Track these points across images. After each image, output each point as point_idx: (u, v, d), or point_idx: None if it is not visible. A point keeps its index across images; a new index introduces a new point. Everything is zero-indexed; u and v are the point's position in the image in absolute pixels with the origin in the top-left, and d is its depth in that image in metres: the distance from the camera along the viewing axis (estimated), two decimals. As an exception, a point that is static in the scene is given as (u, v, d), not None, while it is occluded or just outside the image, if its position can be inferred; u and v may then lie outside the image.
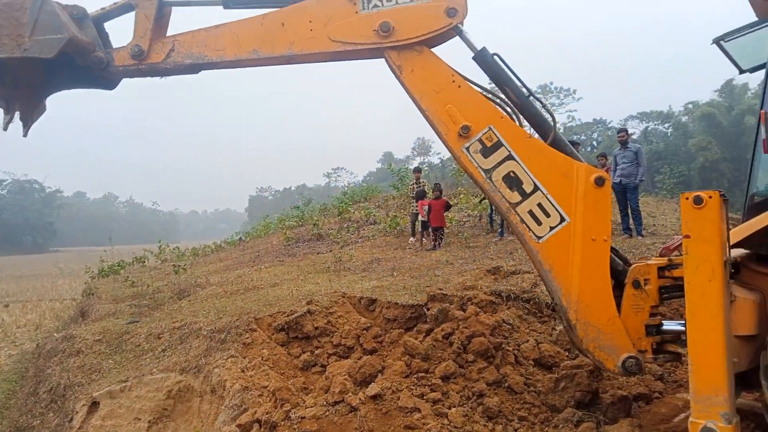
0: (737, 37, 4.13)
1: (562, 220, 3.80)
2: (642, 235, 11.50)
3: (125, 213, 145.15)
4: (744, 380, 3.47)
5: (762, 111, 3.37)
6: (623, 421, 4.04)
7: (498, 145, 3.93)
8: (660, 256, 3.90)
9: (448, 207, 13.18)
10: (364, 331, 6.49)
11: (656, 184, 45.41)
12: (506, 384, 4.86)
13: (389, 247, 13.52)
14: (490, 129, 3.94)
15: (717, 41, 4.18)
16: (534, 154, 3.90)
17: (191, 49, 4.24)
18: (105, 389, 5.94)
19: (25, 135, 4.63)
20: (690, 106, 55.76)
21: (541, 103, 4.30)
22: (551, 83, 66.06)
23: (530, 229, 3.86)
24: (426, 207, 12.96)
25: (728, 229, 3.33)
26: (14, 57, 3.92)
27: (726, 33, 4.15)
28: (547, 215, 3.82)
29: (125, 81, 4.55)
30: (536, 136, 4.19)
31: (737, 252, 3.70)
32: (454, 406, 4.40)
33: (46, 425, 5.98)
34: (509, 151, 3.91)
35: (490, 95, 4.15)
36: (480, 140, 3.95)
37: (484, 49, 4.12)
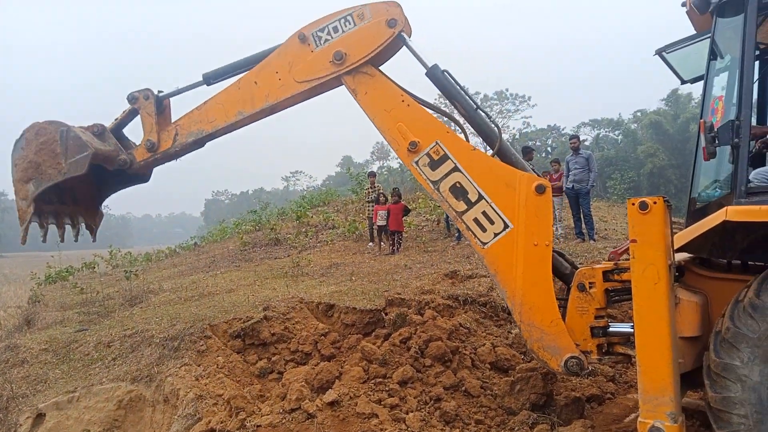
0: (678, 49, 4.31)
1: (506, 226, 4.02)
2: (594, 239, 11.83)
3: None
4: (689, 380, 3.60)
5: (701, 120, 3.52)
6: (576, 422, 4.14)
7: (444, 158, 4.22)
8: (609, 260, 4.02)
9: (406, 211, 13.26)
10: (322, 337, 6.46)
11: (608, 189, 46.76)
12: (463, 388, 4.91)
13: (348, 252, 13.49)
14: (437, 143, 4.24)
15: (659, 52, 4.35)
16: (478, 166, 4.17)
17: (191, 129, 4.89)
18: (51, 400, 5.71)
19: (94, 240, 5.64)
20: (638, 114, 57.80)
21: (487, 115, 4.57)
22: (507, 89, 67.43)
23: (476, 236, 4.11)
24: (383, 212, 12.99)
25: (672, 234, 3.46)
26: (59, 181, 4.74)
27: (667, 45, 4.33)
28: (492, 222, 4.06)
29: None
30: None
31: (681, 256, 3.85)
32: (412, 411, 4.42)
33: (-13, 440, 5.71)
34: (455, 164, 4.20)
35: (441, 109, 4.52)
36: (428, 154, 4.25)
37: (435, 66, 4.44)
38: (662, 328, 3.22)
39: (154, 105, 5.01)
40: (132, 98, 5.07)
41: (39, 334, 7.77)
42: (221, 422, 4.52)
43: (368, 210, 14.21)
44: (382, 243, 13.31)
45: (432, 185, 4.27)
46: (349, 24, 4.47)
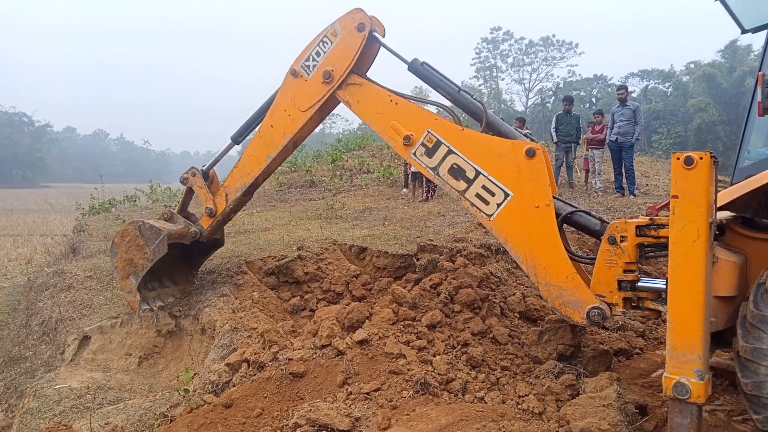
0: (742, -6, 4.05)
1: (506, 195, 4.22)
2: (634, 195, 11.59)
3: (116, 151, 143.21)
4: (720, 339, 3.57)
5: (760, 73, 3.34)
6: (603, 374, 4.16)
7: (438, 144, 4.51)
8: (646, 215, 3.94)
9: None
10: (354, 278, 6.59)
11: (653, 144, 45.28)
12: (491, 335, 4.97)
13: (382, 197, 13.53)
14: (429, 132, 4.54)
15: None
16: (470, 144, 4.41)
17: (236, 185, 5.64)
18: (96, 324, 6.03)
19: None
20: (692, 65, 55.08)
21: (470, 95, 4.84)
22: (554, 35, 64.89)
23: (481, 210, 4.34)
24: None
25: (716, 192, 3.35)
26: (151, 266, 5.57)
27: None
28: (492, 194, 4.28)
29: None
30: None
31: (723, 214, 3.75)
32: (439, 354, 4.51)
33: (38, 356, 6.09)
34: (448, 147, 4.47)
35: (427, 99, 4.90)
36: (423, 144, 4.57)
37: (414, 60, 4.83)
38: (697, 286, 3.18)
39: (203, 178, 5.83)
40: (183, 180, 5.93)
41: (84, 262, 8.12)
42: (255, 354, 4.71)
43: (404, 156, 14.14)
44: (416, 190, 13.30)
45: (432, 171, 4.54)
46: (328, 44, 4.94)
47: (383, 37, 4.91)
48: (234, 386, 4.51)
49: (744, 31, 4.39)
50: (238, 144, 5.97)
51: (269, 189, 16.54)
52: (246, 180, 5.56)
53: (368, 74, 5.05)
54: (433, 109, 4.83)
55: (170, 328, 5.95)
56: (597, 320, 3.88)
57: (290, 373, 4.30)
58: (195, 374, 5.24)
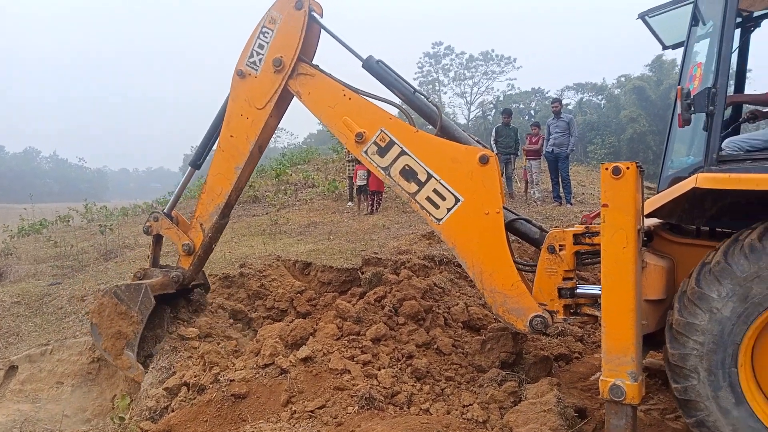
0: (661, 13, 4.27)
1: (457, 200, 4.19)
2: (571, 203, 11.97)
3: (48, 169, 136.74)
4: (652, 341, 3.71)
5: (679, 87, 3.52)
6: (543, 380, 4.25)
7: (391, 144, 4.40)
8: (581, 223, 4.07)
9: (386, 171, 13.20)
10: (298, 295, 6.50)
11: (588, 154, 47.04)
12: (435, 346, 5.00)
13: (327, 211, 13.46)
14: (382, 131, 4.42)
15: (642, 16, 4.32)
16: (423, 146, 4.34)
17: (209, 210, 5.27)
18: (24, 353, 5.69)
19: None
20: (622, 79, 57.66)
21: (426, 97, 4.79)
22: (492, 50, 66.66)
23: (430, 214, 4.29)
24: (363, 172, 12.93)
25: (643, 199, 3.50)
26: (143, 328, 5.07)
27: (651, 9, 4.28)
28: (443, 198, 4.23)
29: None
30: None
31: (651, 221, 3.92)
32: (384, 368, 4.49)
33: (-41, 391, 5.69)
34: (401, 147, 4.37)
35: (382, 97, 4.64)
36: (375, 142, 4.45)
37: (370, 57, 4.69)
38: (628, 290, 3.30)
39: (168, 219, 5.44)
40: (147, 229, 5.53)
41: (11, 287, 7.68)
42: (195, 376, 4.56)
43: (349, 169, 14.12)
44: (361, 203, 13.30)
45: (383, 171, 4.44)
46: (269, 33, 4.76)
47: (321, 17, 4.76)
48: (173, 411, 4.35)
49: (665, 48, 4.65)
50: (198, 168, 5.67)
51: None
52: (219, 201, 5.20)
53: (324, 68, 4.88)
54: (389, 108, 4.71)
55: (101, 354, 5.66)
56: (539, 328, 3.95)
57: (232, 395, 4.19)
58: (132, 401, 5.02)
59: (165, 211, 5.54)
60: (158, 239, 5.61)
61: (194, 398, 4.34)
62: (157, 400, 4.54)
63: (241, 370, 4.45)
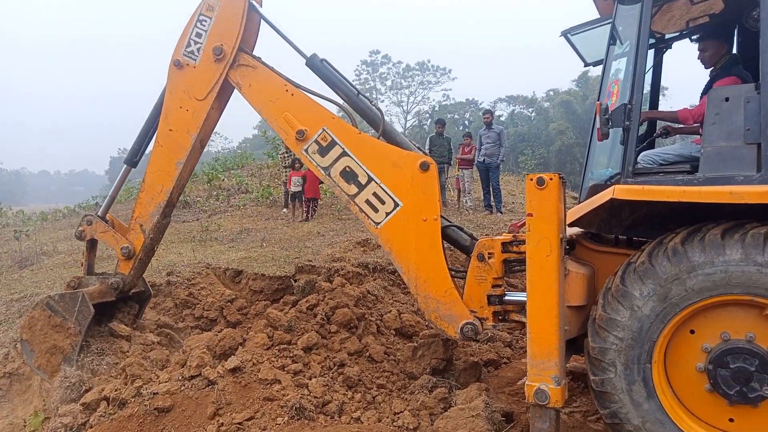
0: (583, 32, 4.49)
1: (396, 205, 4.19)
2: (501, 212, 12.31)
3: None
4: (575, 346, 3.86)
5: (598, 102, 3.71)
6: (473, 386, 4.32)
7: (332, 144, 4.35)
8: (508, 232, 4.19)
9: (322, 178, 13.12)
10: (228, 303, 6.35)
11: (519, 164, 48.60)
12: (367, 353, 5.00)
13: (260, 218, 13.25)
14: (324, 130, 4.36)
15: (564, 34, 4.52)
16: (365, 149, 4.31)
17: (149, 210, 4.96)
18: (-77, 370, 5.25)
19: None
20: (551, 93, 60.07)
21: (369, 100, 4.75)
22: (429, 61, 67.81)
23: (369, 217, 4.27)
24: (297, 178, 12.82)
25: (566, 209, 3.65)
26: (82, 339, 4.74)
27: (572, 27, 4.50)
28: (382, 202, 4.23)
29: None
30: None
31: (573, 230, 4.08)
32: (315, 377, 4.44)
33: None
34: (343, 148, 4.33)
35: (325, 96, 4.57)
36: (316, 141, 4.38)
37: (314, 55, 4.62)
38: (551, 297, 3.42)
39: (103, 222, 5.12)
40: (80, 234, 5.17)
41: None
42: (116, 390, 4.35)
43: (284, 175, 13.97)
44: (296, 210, 13.17)
45: (323, 171, 4.39)
46: (206, 21, 4.59)
47: (261, 7, 4.64)
48: (91, 427, 4.13)
49: (586, 65, 4.88)
50: (135, 166, 5.33)
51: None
52: (159, 199, 4.91)
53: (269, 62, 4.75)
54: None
55: (14, 368, 5.30)
56: (470, 335, 4.02)
57: (155, 409, 4.02)
58: (46, 418, 4.72)
59: (99, 213, 5.19)
60: (93, 244, 5.27)
61: (114, 413, 4.13)
62: (75, 416, 4.29)
63: (165, 382, 4.28)
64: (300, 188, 12.74)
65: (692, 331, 3.33)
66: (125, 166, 5.30)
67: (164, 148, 4.85)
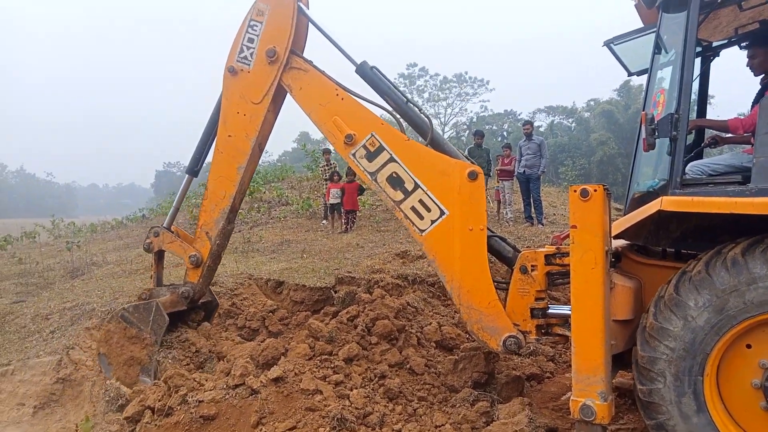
0: (626, 41, 4.42)
1: (442, 213, 4.16)
2: (542, 224, 12.14)
3: (15, 184, 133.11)
4: (621, 361, 3.77)
5: (643, 112, 3.64)
6: (515, 400, 4.27)
7: (380, 149, 4.36)
8: (551, 244, 4.14)
9: (361, 191, 13.24)
10: (270, 314, 6.43)
11: (560, 175, 47.86)
12: (408, 365, 4.99)
13: (300, 229, 13.40)
14: (372, 135, 4.38)
15: (607, 44, 4.46)
16: (413, 156, 4.31)
17: (214, 217, 5.08)
18: (-17, 374, 5.50)
19: None
20: (592, 102, 59.06)
21: (418, 107, 4.73)
22: (466, 72, 67.64)
23: (414, 224, 4.25)
24: (336, 190, 12.93)
25: (611, 221, 3.59)
26: (157, 348, 4.86)
27: (616, 36, 4.44)
28: (428, 210, 4.21)
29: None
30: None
31: (619, 242, 4.00)
32: (356, 388, 4.46)
33: None
34: (391, 154, 4.34)
35: (375, 102, 4.61)
36: (364, 146, 4.39)
37: (364, 62, 4.63)
38: (597, 311, 3.36)
39: (169, 233, 5.26)
40: (148, 246, 5.30)
41: (-28, 306, 7.43)
42: (159, 399, 4.46)
43: (324, 187, 14.13)
44: (335, 221, 13.28)
45: (369, 176, 4.40)
46: (257, 26, 4.67)
47: (308, 9, 4.70)
48: (138, 434, 4.24)
49: (630, 74, 4.80)
50: (196, 176, 5.46)
51: (182, 222, 15.97)
52: (224, 205, 5.00)
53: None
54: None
55: (67, 374, 5.50)
56: (513, 349, 3.97)
57: (201, 416, 4.11)
58: (96, 423, 4.87)
59: (165, 225, 5.34)
60: (160, 256, 5.39)
61: (160, 421, 4.23)
62: (121, 424, 4.41)
63: (210, 390, 4.37)
64: (339, 200, 12.86)
65: (749, 346, 3.21)
66: (187, 176, 5.42)
67: (224, 154, 4.93)
